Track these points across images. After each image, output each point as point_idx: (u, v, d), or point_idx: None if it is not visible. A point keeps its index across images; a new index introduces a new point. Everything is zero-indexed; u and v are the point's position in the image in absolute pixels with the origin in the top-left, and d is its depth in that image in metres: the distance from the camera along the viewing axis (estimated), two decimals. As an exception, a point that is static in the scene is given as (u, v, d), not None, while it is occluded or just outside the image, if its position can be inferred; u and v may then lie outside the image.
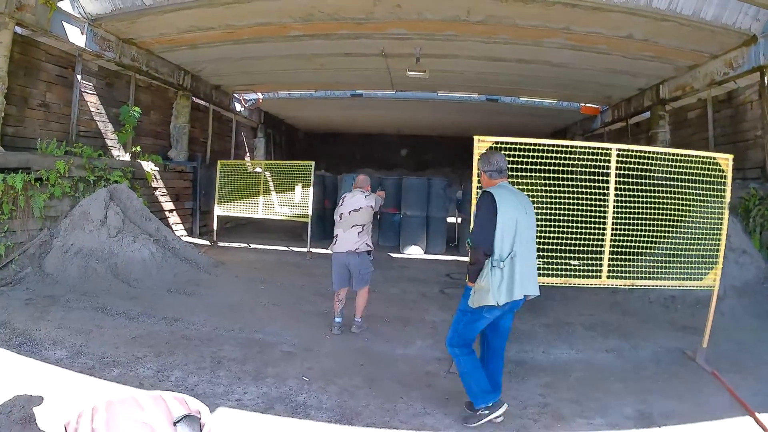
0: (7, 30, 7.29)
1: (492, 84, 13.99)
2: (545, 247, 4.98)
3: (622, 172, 5.17)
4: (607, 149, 5.15)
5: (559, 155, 5.00)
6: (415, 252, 12.18)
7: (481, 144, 4.85)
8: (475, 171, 4.74)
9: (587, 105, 15.90)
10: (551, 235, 5.12)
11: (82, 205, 8.20)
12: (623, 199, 5.21)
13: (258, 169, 12.78)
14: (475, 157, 4.71)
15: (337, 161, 23.44)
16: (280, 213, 12.06)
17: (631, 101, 13.66)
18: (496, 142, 4.89)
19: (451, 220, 13.59)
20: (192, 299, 7.14)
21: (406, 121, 21.18)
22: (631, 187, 5.26)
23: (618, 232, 5.22)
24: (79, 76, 9.16)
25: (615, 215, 5.18)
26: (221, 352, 5.16)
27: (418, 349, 5.54)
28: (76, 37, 8.60)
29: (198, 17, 8.99)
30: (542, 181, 5.25)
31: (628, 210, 5.20)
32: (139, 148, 10.59)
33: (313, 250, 11.48)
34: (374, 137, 25.26)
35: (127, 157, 10.55)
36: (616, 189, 5.15)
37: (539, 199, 5.24)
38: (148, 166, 10.65)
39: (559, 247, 5.08)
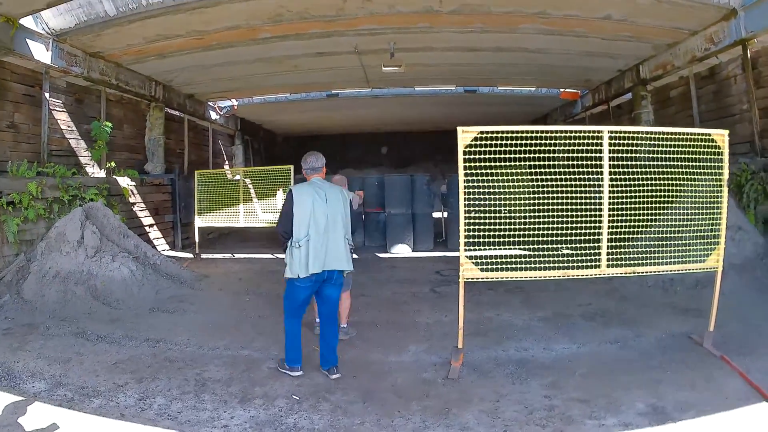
0: None
1: (469, 75, 13.79)
2: (538, 239, 4.81)
3: (615, 155, 5.01)
4: (599, 132, 4.97)
5: (547, 141, 4.83)
6: (402, 251, 11.98)
7: (465, 135, 4.67)
8: (461, 164, 4.57)
9: (567, 90, 15.74)
10: (543, 225, 4.95)
11: (57, 227, 7.89)
12: (618, 183, 5.02)
13: (237, 177, 12.51)
14: (461, 149, 4.60)
15: (317, 163, 23.06)
16: (263, 220, 11.75)
17: (611, 83, 13.52)
18: (481, 132, 4.70)
19: (437, 215, 13.43)
20: (175, 317, 6.88)
21: (384, 119, 20.95)
22: (625, 170, 5.09)
23: (615, 217, 5.04)
24: (47, 94, 8.81)
25: (611, 200, 5.00)
26: (206, 373, 4.92)
27: (413, 354, 5.33)
28: (41, 54, 8.26)
29: (164, 26, 8.68)
30: (531, 170, 5.07)
31: (623, 194, 5.02)
32: (113, 164, 10.28)
33: None
34: (354, 137, 25.01)
35: (102, 174, 10.23)
36: (610, 173, 4.97)
37: (528, 189, 5.08)
38: (125, 182, 10.33)
39: (552, 238, 4.91)
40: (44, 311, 6.84)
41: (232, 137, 19.17)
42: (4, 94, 8.08)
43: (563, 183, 5.05)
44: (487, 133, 4.71)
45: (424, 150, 24.68)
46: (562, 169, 5.09)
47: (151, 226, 11.58)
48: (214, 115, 16.35)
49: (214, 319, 6.74)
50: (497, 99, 16.41)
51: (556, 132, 4.99)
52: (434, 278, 9.08)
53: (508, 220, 4.99)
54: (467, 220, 4.75)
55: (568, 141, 4.96)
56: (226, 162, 18.44)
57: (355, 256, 6.73)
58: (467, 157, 4.69)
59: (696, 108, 10.63)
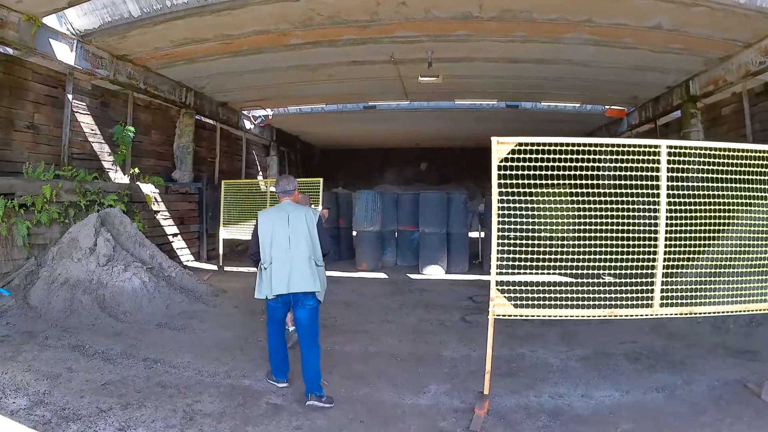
0: None
1: (511, 88, 13.15)
2: (580, 271, 4.14)
3: (674, 174, 4.30)
4: (656, 147, 4.27)
5: (594, 156, 4.18)
6: (435, 272, 11.32)
7: (500, 146, 4.05)
8: (495, 179, 3.97)
9: (612, 107, 14.85)
10: (587, 254, 4.27)
11: (71, 232, 7.62)
12: (677, 207, 4.31)
13: (272, 189, 12.07)
14: (495, 162, 4.01)
15: (354, 178, 22.82)
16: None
17: (659, 100, 12.68)
18: (519, 144, 4.08)
19: (474, 235, 12.74)
20: (181, 335, 6.41)
21: (423, 134, 20.46)
22: (685, 191, 4.36)
23: (672, 248, 4.31)
24: (70, 96, 8.64)
25: (668, 227, 4.28)
26: (198, 404, 4.39)
27: (433, 396, 4.66)
28: (65, 54, 8.09)
29: (190, 28, 8.41)
30: (575, 189, 4.40)
31: (683, 220, 4.29)
32: (137, 170, 10.04)
33: (326, 273, 10.73)
34: (392, 152, 24.60)
35: (125, 180, 10.00)
36: (668, 195, 4.25)
37: (570, 210, 4.42)
38: (148, 189, 10.07)
39: (597, 271, 4.22)
40: (48, 319, 6.53)
41: (267, 148, 18.96)
42: (24, 93, 7.91)
43: (612, 206, 4.35)
44: (526, 145, 4.09)
45: (463, 167, 24.03)
46: (610, 190, 4.40)
47: (175, 235, 11.30)
48: (248, 125, 16.15)
49: (222, 339, 6.24)
50: (540, 115, 15.68)
51: (605, 146, 4.33)
52: (466, 305, 8.39)
53: (546, 246, 4.32)
54: (501, 245, 4.10)
55: (618, 157, 4.28)
56: (260, 173, 18.23)
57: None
58: (503, 172, 4.07)
59: (749, 126, 9.86)
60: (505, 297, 4.00)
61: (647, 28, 8.38)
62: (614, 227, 4.33)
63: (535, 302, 4.12)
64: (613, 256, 4.31)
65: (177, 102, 11.60)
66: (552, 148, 4.08)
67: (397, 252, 12.57)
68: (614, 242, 4.30)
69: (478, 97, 14.37)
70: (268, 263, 4.48)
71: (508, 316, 4.04)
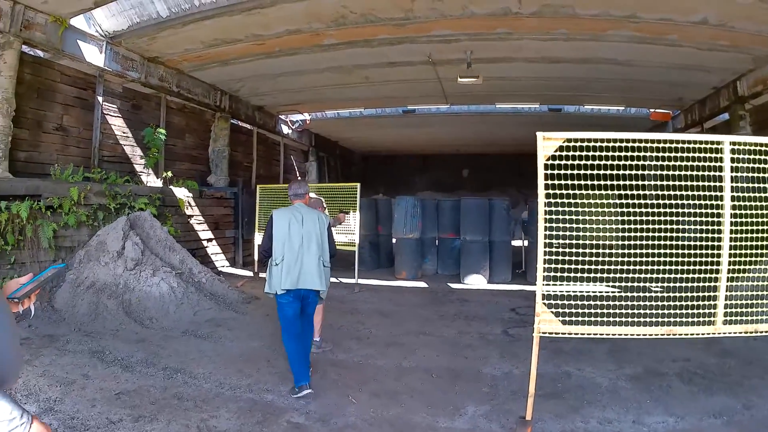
0: (13, 50, 6.79)
1: (552, 91, 12.53)
2: (638, 284, 3.61)
3: (739, 173, 3.71)
4: (718, 143, 3.69)
5: (651, 155, 3.64)
6: (476, 282, 10.78)
7: (546, 142, 3.58)
8: (541, 181, 3.52)
9: (657, 110, 14.00)
10: (637, 267, 3.72)
11: (99, 235, 7.50)
12: (742, 211, 3.71)
13: (313, 195, 11.67)
14: (541, 161, 3.57)
15: (395, 184, 22.43)
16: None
17: (705, 102, 11.88)
18: (568, 140, 3.60)
19: (517, 244, 12.13)
20: (206, 344, 6.12)
21: (464, 139, 19.94)
22: (751, 194, 3.75)
23: (736, 257, 3.71)
24: (100, 98, 8.56)
25: (733, 234, 3.69)
26: (213, 420, 4.04)
27: (470, 419, 4.16)
28: (94, 56, 8.03)
29: (220, 28, 8.21)
30: (630, 191, 3.85)
31: (749, 226, 3.70)
32: (170, 173, 9.92)
33: (363, 281, 10.41)
34: (433, 158, 24.15)
35: (158, 183, 9.89)
36: (732, 197, 3.66)
37: (624, 215, 3.90)
38: (181, 193, 9.93)
39: (655, 284, 3.67)
40: (71, 323, 6.39)
41: (306, 153, 18.81)
42: (52, 95, 7.86)
43: (667, 210, 3.79)
44: (577, 141, 3.59)
45: (506, 174, 23.34)
46: (664, 192, 3.82)
47: (209, 240, 11.14)
48: (285, 129, 16.01)
49: (248, 349, 5.92)
50: (583, 119, 14.94)
51: (664, 142, 3.78)
52: (508, 317, 7.84)
53: (598, 255, 3.78)
54: (548, 253, 3.61)
55: (676, 155, 3.71)
56: (299, 178, 18.05)
57: (333, 279, 6.38)
58: (550, 172, 3.58)
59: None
60: (551, 312, 3.48)
61: (693, 24, 7.77)
62: (672, 233, 3.77)
63: (584, 317, 3.59)
64: (673, 267, 3.75)
65: (211, 105, 11.48)
66: (605, 144, 3.56)
67: (438, 260, 12.10)
68: (672, 250, 3.74)
69: (519, 100, 13.77)
70: (280, 260, 4.67)
71: (555, 334, 3.52)
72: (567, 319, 3.52)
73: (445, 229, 11.81)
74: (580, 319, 3.52)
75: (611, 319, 3.55)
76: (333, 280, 11.04)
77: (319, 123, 16.74)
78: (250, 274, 11.25)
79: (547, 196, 3.61)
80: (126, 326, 6.47)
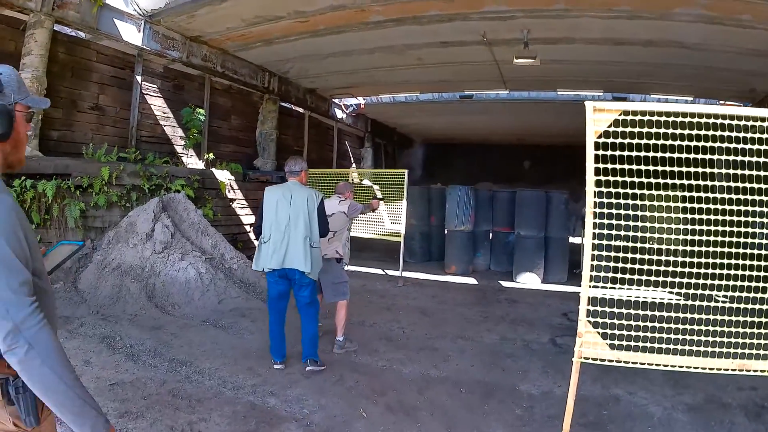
0: (44, 29, 6.65)
1: (616, 77, 11.26)
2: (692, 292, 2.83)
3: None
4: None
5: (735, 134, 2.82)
6: (529, 280, 9.91)
7: (597, 115, 2.82)
8: (590, 162, 2.80)
9: (728, 102, 12.34)
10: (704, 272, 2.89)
11: (130, 216, 7.28)
12: None
13: (365, 182, 11.21)
14: (591, 138, 2.80)
15: (454, 173, 21.55)
16: (369, 231, 10.34)
17: (781, 95, 10.26)
18: (625, 113, 2.84)
19: (576, 240, 11.12)
20: (223, 335, 5.72)
21: (525, 129, 18.82)
22: None
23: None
24: (139, 77, 8.35)
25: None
26: (201, 423, 3.60)
27: (495, 447, 3.50)
28: (132, 35, 7.83)
29: (261, 5, 7.78)
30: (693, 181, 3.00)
31: None
32: (212, 155, 9.66)
33: (409, 274, 9.79)
34: (494, 147, 23.01)
35: (200, 165, 9.66)
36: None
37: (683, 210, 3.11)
38: (223, 176, 9.64)
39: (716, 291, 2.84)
40: (91, 305, 6.16)
41: (362, 139, 18.33)
42: (87, 74, 7.68)
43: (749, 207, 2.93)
44: (637, 114, 2.82)
45: (568, 166, 21.77)
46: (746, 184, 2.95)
47: (251, 225, 10.86)
48: (339, 114, 15.58)
49: (266, 345, 5.35)
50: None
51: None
52: (559, 323, 7.01)
53: (661, 256, 2.97)
54: (597, 257, 2.86)
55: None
56: (353, 164, 17.63)
57: (348, 267, 5.90)
58: (601, 153, 2.84)
59: None
60: (597, 332, 2.74)
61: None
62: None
63: (638, 342, 2.81)
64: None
65: (259, 87, 11.16)
66: (674, 119, 2.76)
67: (491, 255, 11.29)
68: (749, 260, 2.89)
69: (581, 87, 12.56)
70: (267, 237, 4.66)
71: (601, 360, 2.77)
72: (617, 343, 2.76)
73: (499, 222, 10.99)
74: (632, 344, 2.75)
75: (671, 347, 2.76)
76: (378, 271, 10.62)
77: (374, 108, 16.17)
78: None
79: (598, 184, 2.86)
80: (146, 311, 6.18)
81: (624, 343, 2.76)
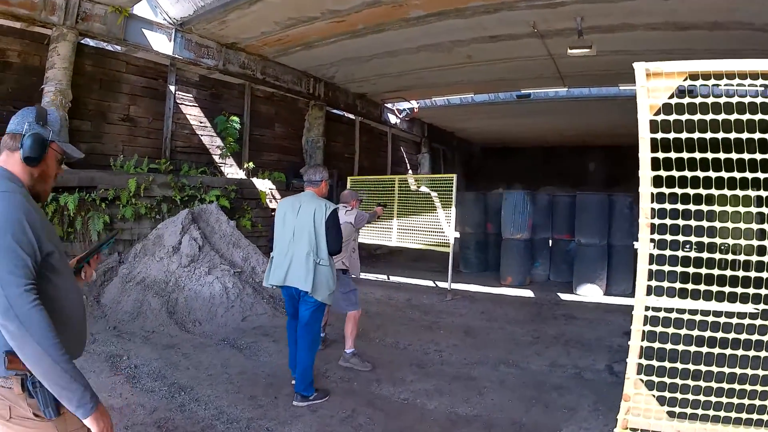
0: (67, 41, 6.68)
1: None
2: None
3: None
4: None
5: None
6: (590, 293, 8.94)
7: (653, 82, 2.12)
8: (645, 144, 2.20)
9: None
10: None
11: (158, 229, 7.09)
12: None
13: (423, 189, 10.60)
14: (643, 114, 2.15)
15: (516, 178, 20.54)
16: (417, 241, 9.67)
17: None
18: (692, 76, 2.10)
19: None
20: (237, 357, 5.29)
21: (587, 129, 17.69)
22: None
23: None
24: (172, 87, 8.24)
25: None
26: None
27: None
28: (163, 44, 7.74)
29: (292, 6, 7.50)
30: None
31: None
32: (252, 164, 9.41)
33: (462, 287, 9.16)
34: (556, 150, 21.87)
35: (240, 175, 9.44)
36: None
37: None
38: (264, 185, 9.37)
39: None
40: (110, 320, 5.97)
41: (418, 145, 17.77)
42: (117, 86, 7.67)
43: None
44: (708, 78, 2.09)
45: (635, 168, 20.15)
46: None
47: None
48: (393, 119, 15.10)
49: (280, 370, 4.90)
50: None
51: None
52: (618, 344, 6.07)
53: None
54: (658, 274, 2.20)
55: None
56: (409, 171, 17.08)
57: (354, 275, 5.52)
58: (659, 136, 2.11)
59: None
60: (653, 394, 2.03)
61: None
62: None
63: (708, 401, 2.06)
64: None
65: (304, 93, 10.87)
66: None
67: (551, 265, 10.40)
68: None
69: None
70: (274, 251, 4.41)
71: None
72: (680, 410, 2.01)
73: (560, 228, 10.10)
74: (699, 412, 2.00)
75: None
76: (428, 284, 9.96)
77: (429, 112, 15.56)
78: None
79: (657, 182, 2.16)
80: (164, 328, 5.88)
81: (689, 411, 2.02)
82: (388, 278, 10.44)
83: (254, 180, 9.24)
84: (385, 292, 8.98)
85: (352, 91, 12.57)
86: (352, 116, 13.30)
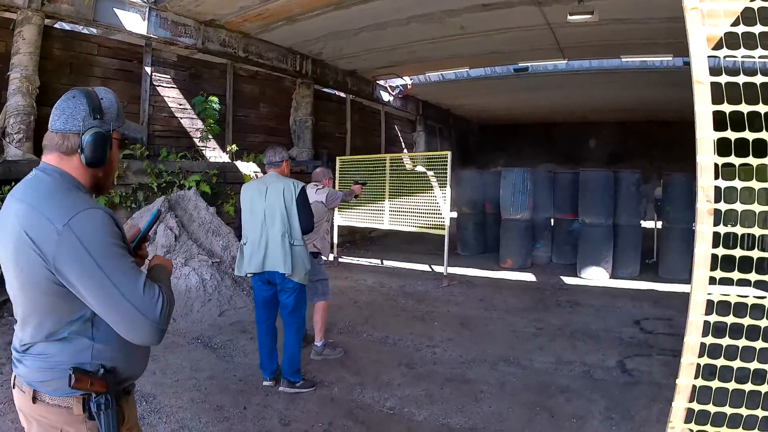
0: (32, 25, 6.25)
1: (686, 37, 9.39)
2: None
3: None
4: None
5: None
6: (596, 276, 8.52)
7: (708, 2, 1.58)
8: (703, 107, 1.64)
9: None
10: None
11: (133, 218, 6.67)
12: None
13: (419, 168, 10.13)
14: (698, 43, 1.59)
15: (514, 157, 20.06)
16: (411, 224, 9.22)
17: None
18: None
19: (648, 225, 9.59)
20: (209, 358, 4.87)
21: (588, 104, 17.20)
22: None
23: None
24: (148, 69, 7.74)
25: None
26: None
27: None
28: (136, 24, 7.28)
29: (268, -25, 6.91)
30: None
31: None
32: (235, 147, 8.95)
33: (459, 271, 8.84)
34: (557, 127, 21.35)
35: (225, 158, 8.99)
36: None
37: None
38: (249, 168, 8.90)
39: None
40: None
41: (413, 123, 17.22)
42: (88, 69, 7.23)
43: None
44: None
45: (637, 144, 19.87)
46: None
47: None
48: (386, 96, 14.53)
49: (254, 372, 4.51)
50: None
51: None
52: (630, 335, 5.66)
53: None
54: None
55: None
56: (404, 150, 16.57)
57: (324, 258, 5.21)
58: (725, 80, 1.61)
59: None
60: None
61: None
62: None
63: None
64: None
65: (290, 71, 10.34)
66: None
67: (552, 246, 9.99)
68: None
69: (647, 51, 10.73)
70: (246, 239, 4.20)
71: None
72: None
73: (562, 208, 9.66)
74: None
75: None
76: (424, 267, 9.56)
77: (423, 88, 14.98)
78: (330, 257, 10.05)
79: (723, 149, 1.68)
80: (135, 328, 5.52)
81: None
82: (382, 263, 10.05)
83: (238, 163, 8.77)
84: (377, 279, 8.59)
85: (342, 68, 12.01)
86: (342, 94, 12.78)
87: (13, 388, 1.59)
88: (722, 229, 1.65)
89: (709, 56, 1.56)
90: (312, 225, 4.23)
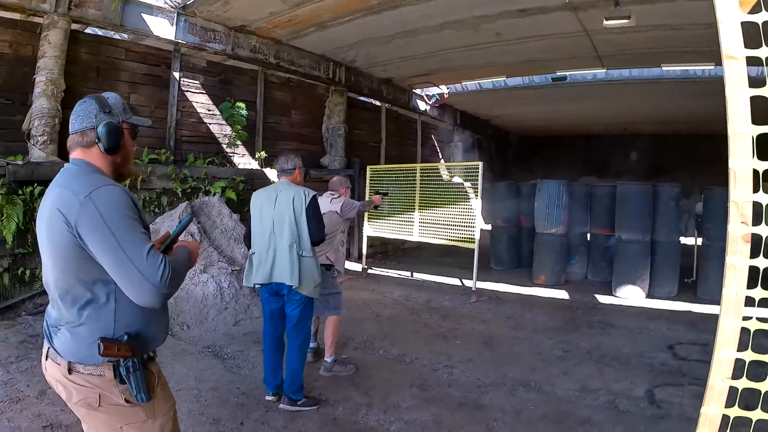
0: (58, 29, 6.30)
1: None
2: None
3: None
4: None
5: None
6: (631, 295, 8.04)
7: None
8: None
9: None
10: None
11: (156, 223, 6.67)
12: None
13: (457, 179, 9.85)
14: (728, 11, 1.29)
15: (554, 169, 19.47)
16: (440, 236, 8.92)
17: None
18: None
19: (689, 242, 9.02)
20: (216, 369, 4.76)
21: (629, 115, 16.44)
22: None
23: None
24: (176, 74, 7.76)
25: None
26: None
27: None
28: (165, 29, 7.30)
29: (294, -21, 6.85)
30: None
31: None
32: (264, 154, 8.91)
33: (490, 286, 8.51)
34: (597, 139, 20.74)
35: (254, 165, 8.97)
36: None
37: None
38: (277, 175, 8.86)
39: None
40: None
41: (451, 133, 16.92)
42: (115, 74, 7.21)
43: None
44: None
45: (679, 157, 18.93)
46: None
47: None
48: (422, 106, 14.32)
49: (258, 386, 4.38)
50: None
51: None
52: (661, 361, 5.24)
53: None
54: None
55: None
56: (441, 160, 16.30)
57: (339, 270, 4.94)
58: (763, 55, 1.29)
59: None
60: None
61: None
62: None
63: None
64: None
65: (323, 78, 10.27)
66: None
67: (588, 262, 9.50)
68: None
69: (690, 59, 10.09)
70: (254, 248, 4.07)
71: None
72: None
73: (598, 222, 9.19)
74: None
75: None
76: (454, 281, 9.27)
77: (460, 97, 14.68)
78: (359, 268, 9.89)
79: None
80: (149, 334, 5.48)
81: None
82: (412, 275, 9.82)
83: (267, 171, 8.74)
84: (404, 292, 8.37)
85: (377, 76, 11.88)
86: (377, 103, 12.62)
87: (46, 360, 1.79)
88: (762, 263, 1.33)
89: (743, 22, 1.23)
90: (322, 236, 4.07)
